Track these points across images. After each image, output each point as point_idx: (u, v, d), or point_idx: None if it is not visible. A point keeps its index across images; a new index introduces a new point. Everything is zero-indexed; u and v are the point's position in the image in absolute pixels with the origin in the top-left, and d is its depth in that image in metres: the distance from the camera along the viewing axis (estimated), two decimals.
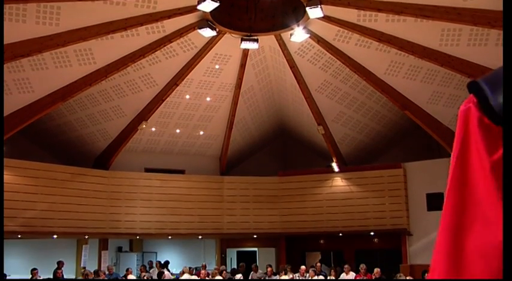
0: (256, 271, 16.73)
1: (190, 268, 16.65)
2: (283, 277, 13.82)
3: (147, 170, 17.94)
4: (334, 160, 17.97)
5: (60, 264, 14.78)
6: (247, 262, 18.43)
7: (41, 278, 13.41)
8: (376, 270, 14.24)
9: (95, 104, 15.73)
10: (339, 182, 18.09)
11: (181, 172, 18.54)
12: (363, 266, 15.26)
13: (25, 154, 14.99)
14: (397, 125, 17.54)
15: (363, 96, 16.37)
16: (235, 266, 19.19)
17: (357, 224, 17.24)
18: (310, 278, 14.49)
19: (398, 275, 14.06)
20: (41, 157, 15.56)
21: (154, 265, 18.25)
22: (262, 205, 18.34)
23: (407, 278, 12.56)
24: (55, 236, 16.12)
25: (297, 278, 15.23)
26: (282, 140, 20.17)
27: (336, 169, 17.95)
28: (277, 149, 20.31)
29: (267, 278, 15.05)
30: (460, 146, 0.90)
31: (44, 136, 16.68)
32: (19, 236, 15.12)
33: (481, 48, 12.33)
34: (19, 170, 14.31)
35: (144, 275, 13.27)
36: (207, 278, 13.99)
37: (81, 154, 17.04)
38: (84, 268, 16.26)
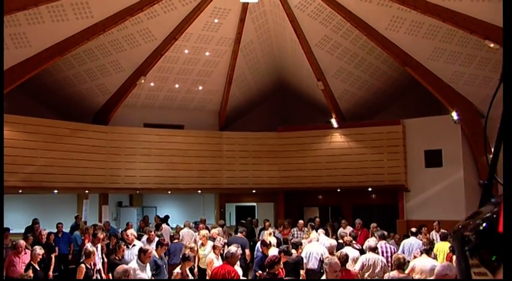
0: (256, 226, 16.99)
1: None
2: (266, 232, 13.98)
3: (146, 125, 17.93)
4: (334, 116, 17.95)
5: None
6: (246, 216, 18.70)
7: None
8: (373, 225, 14.42)
9: (93, 59, 15.58)
10: (337, 138, 18.12)
11: (181, 127, 18.55)
12: (358, 221, 15.49)
13: (24, 109, 14.94)
14: (397, 81, 17.45)
15: (364, 52, 16.22)
16: (235, 221, 19.51)
17: (355, 180, 17.36)
18: (307, 233, 14.64)
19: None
20: (40, 113, 15.51)
21: (153, 219, 18.47)
22: (261, 160, 18.42)
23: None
24: (55, 191, 16.24)
25: (295, 232, 15.44)
26: (282, 95, 20.10)
27: (335, 124, 17.94)
28: (277, 105, 20.26)
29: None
30: None
31: (43, 92, 16.60)
32: (20, 191, 15.24)
33: (484, 3, 12.13)
34: (18, 125, 14.28)
35: (146, 230, 13.42)
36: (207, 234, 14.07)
37: (80, 110, 16.99)
38: (85, 222, 16.50)
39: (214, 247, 10.72)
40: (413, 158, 16.97)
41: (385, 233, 12.10)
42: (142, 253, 8.55)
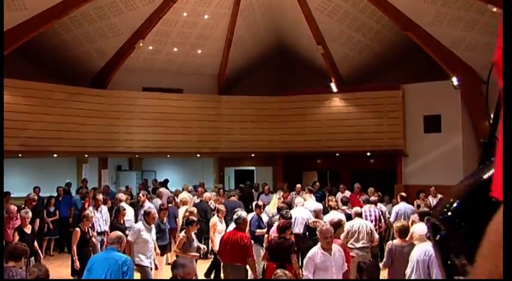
0: (256, 190, 17.10)
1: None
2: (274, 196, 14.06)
3: (145, 89, 17.84)
4: (333, 80, 17.87)
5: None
6: (245, 180, 18.81)
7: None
8: (370, 189, 14.52)
9: (91, 22, 15.38)
10: (337, 103, 18.07)
11: (180, 91, 18.47)
12: (357, 186, 15.59)
13: (21, 73, 14.81)
14: (398, 46, 17.28)
15: (364, 15, 16.03)
16: (234, 185, 19.64)
17: (354, 145, 17.37)
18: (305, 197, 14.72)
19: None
20: (37, 77, 15.38)
21: (151, 183, 18.61)
22: (261, 124, 18.40)
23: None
24: (55, 155, 16.27)
25: (293, 196, 15.53)
26: (281, 59, 19.94)
27: (335, 89, 17.88)
28: (276, 69, 20.12)
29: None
30: None
31: (40, 55, 16.43)
32: (19, 155, 15.27)
33: None
34: (16, 89, 14.20)
35: (144, 194, 13.51)
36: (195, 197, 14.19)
37: (78, 73, 16.86)
38: (86, 185, 16.57)
39: (218, 211, 10.86)
40: (412, 123, 16.96)
41: (369, 197, 12.28)
42: (147, 215, 8.74)
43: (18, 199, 13.54)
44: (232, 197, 13.33)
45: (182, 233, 8.70)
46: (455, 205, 0.97)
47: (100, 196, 11.83)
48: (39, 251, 10.01)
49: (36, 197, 13.10)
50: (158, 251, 8.95)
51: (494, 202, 0.85)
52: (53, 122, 14.99)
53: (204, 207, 12.68)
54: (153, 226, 8.78)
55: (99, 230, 11.03)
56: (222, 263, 8.27)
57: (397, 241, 7.74)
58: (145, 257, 8.34)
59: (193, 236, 8.64)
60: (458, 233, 0.93)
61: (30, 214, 9.92)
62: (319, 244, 6.64)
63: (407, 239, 7.84)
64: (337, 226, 8.14)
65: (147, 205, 12.01)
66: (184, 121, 17.50)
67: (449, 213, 0.94)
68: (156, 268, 8.57)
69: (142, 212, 10.40)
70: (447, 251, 0.95)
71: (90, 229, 9.54)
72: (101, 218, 11.35)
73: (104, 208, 11.62)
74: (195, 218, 9.10)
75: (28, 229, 9.60)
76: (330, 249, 6.46)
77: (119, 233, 6.82)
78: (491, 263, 0.78)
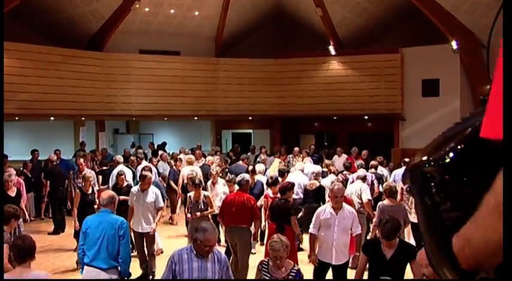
0: (253, 153, 17.14)
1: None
2: (276, 160, 14.12)
3: (142, 51, 17.67)
4: (331, 43, 17.73)
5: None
6: (242, 143, 18.84)
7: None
8: (364, 152, 14.58)
9: None
10: (335, 66, 17.98)
11: (177, 53, 18.31)
12: (354, 149, 15.64)
13: (17, 36, 14.61)
14: (397, 9, 17.04)
15: None
16: (231, 147, 19.65)
17: (351, 108, 17.36)
18: (302, 160, 14.79)
19: None
20: (33, 39, 15.19)
21: (147, 146, 18.59)
22: (258, 87, 18.32)
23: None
24: (52, 118, 16.22)
25: (290, 159, 15.59)
26: (279, 22, 19.69)
27: (333, 52, 17.76)
28: (274, 32, 19.89)
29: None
30: None
31: (36, 18, 16.16)
32: (16, 118, 15.21)
33: None
34: (12, 52, 14.01)
35: (131, 155, 13.50)
36: (203, 159, 14.26)
37: (74, 36, 16.64)
38: (84, 149, 16.58)
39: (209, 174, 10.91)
40: (411, 87, 16.91)
41: (363, 163, 12.33)
42: (141, 180, 8.56)
43: (16, 162, 13.56)
44: (241, 162, 13.28)
45: (191, 193, 8.70)
46: (451, 151, 0.92)
47: (81, 160, 11.44)
48: (25, 212, 9.79)
49: (55, 158, 13.02)
50: (158, 217, 8.79)
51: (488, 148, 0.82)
52: (49, 85, 14.89)
53: (206, 171, 12.65)
54: (152, 190, 8.53)
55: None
56: (223, 226, 8.22)
57: (386, 201, 7.99)
58: (135, 221, 8.31)
59: (202, 199, 8.52)
60: (461, 178, 0.89)
61: (13, 176, 9.79)
62: (330, 203, 6.72)
63: (397, 199, 8.09)
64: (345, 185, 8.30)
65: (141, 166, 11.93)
66: (182, 84, 17.41)
67: (451, 155, 0.90)
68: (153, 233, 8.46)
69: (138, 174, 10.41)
70: (444, 201, 0.90)
71: (94, 190, 9.47)
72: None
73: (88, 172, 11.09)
74: (202, 180, 9.12)
75: (12, 192, 9.42)
76: (339, 208, 6.50)
77: (110, 192, 6.61)
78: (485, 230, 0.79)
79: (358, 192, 9.25)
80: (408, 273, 5.25)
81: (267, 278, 4.84)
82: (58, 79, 15.12)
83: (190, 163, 12.50)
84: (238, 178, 8.37)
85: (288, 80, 18.24)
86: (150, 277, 7.98)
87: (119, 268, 5.94)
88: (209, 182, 10.48)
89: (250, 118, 19.48)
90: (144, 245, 8.31)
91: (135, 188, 8.72)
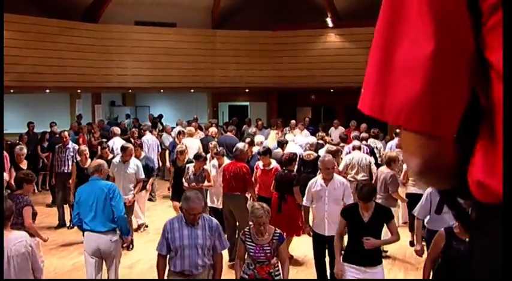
0: (249, 125, 17.15)
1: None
2: (272, 132, 14.10)
3: (138, 23, 17.50)
4: (329, 15, 17.57)
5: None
6: (239, 115, 18.82)
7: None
8: (363, 126, 14.58)
9: None
10: (332, 38, 17.87)
11: (173, 25, 18.13)
12: (353, 123, 15.65)
13: (12, 7, 14.42)
14: None
15: None
16: (227, 120, 19.63)
17: (348, 81, 17.24)
18: (301, 132, 14.81)
19: None
20: (28, 11, 15.00)
21: (147, 117, 18.59)
22: (255, 59, 18.21)
23: None
24: (47, 90, 16.14)
25: (287, 131, 15.60)
26: None
27: (330, 24, 17.62)
28: (271, 3, 19.65)
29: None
30: None
31: None
32: (11, 91, 15.13)
33: None
34: (8, 24, 13.72)
35: (136, 130, 13.51)
36: (199, 132, 14.22)
37: (69, 7, 16.41)
38: (80, 122, 16.55)
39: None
40: None
41: (359, 134, 12.43)
42: (123, 151, 8.81)
43: (12, 135, 13.54)
44: (229, 133, 13.31)
45: (191, 166, 8.78)
46: None
47: (66, 133, 11.18)
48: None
49: (58, 130, 12.95)
50: (137, 189, 8.87)
51: None
52: (44, 57, 14.76)
53: (206, 142, 12.57)
54: (133, 162, 8.80)
55: (67, 171, 10.15)
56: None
57: (383, 167, 8.25)
58: None
59: (201, 170, 8.61)
60: None
61: (24, 150, 9.95)
62: (320, 175, 6.81)
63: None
64: (335, 154, 8.36)
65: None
66: (178, 56, 17.28)
67: None
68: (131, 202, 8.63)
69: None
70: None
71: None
72: (64, 157, 10.47)
73: (71, 146, 10.76)
74: (203, 154, 9.18)
75: (24, 165, 9.61)
76: (329, 180, 6.58)
77: (98, 161, 6.78)
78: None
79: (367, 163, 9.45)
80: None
81: (251, 246, 4.93)
82: (53, 51, 14.99)
83: (190, 135, 12.48)
84: (234, 148, 8.55)
85: (285, 52, 18.14)
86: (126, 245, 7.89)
87: (117, 230, 6.15)
88: (209, 155, 10.52)
89: (246, 90, 19.42)
90: None
91: (116, 159, 8.95)
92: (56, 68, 15.04)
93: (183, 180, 8.69)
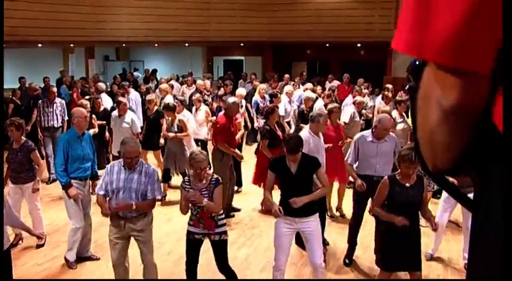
0: (245, 80, 17.07)
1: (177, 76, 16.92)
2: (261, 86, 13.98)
3: None
4: None
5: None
6: (233, 70, 18.72)
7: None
8: (359, 81, 14.54)
9: None
10: None
11: None
12: (346, 76, 15.67)
13: None
14: None
15: None
16: (222, 75, 19.54)
17: (344, 35, 17.13)
18: (298, 87, 14.77)
19: None
20: None
21: (143, 72, 18.46)
22: (250, 13, 17.97)
23: None
24: (40, 45, 15.94)
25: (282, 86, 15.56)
26: None
27: None
28: None
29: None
30: None
31: None
32: (3, 45, 14.90)
33: None
34: None
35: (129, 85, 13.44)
36: (193, 86, 14.12)
37: None
38: (72, 76, 16.43)
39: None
40: None
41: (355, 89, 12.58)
42: (117, 105, 9.38)
43: (5, 90, 13.42)
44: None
45: (168, 117, 8.98)
46: None
47: (54, 89, 11.14)
48: None
49: (38, 87, 12.81)
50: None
51: None
52: (36, 11, 14.49)
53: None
54: (128, 115, 9.26)
55: (56, 125, 10.38)
56: None
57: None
58: (114, 144, 9.26)
59: (177, 121, 8.79)
60: None
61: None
62: (307, 128, 6.94)
63: None
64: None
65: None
66: (172, 9, 17.02)
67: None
68: None
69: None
70: None
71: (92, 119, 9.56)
72: (52, 112, 10.47)
73: (58, 101, 10.72)
74: (175, 104, 9.16)
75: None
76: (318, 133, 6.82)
77: (80, 109, 6.78)
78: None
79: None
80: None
81: (191, 191, 5.05)
82: (45, 4, 14.70)
83: (165, 92, 12.22)
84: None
85: (280, 5, 17.90)
86: None
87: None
88: (193, 108, 10.64)
89: (241, 44, 19.24)
90: None
91: (114, 113, 9.45)
92: (48, 21, 14.79)
93: (162, 131, 8.99)
